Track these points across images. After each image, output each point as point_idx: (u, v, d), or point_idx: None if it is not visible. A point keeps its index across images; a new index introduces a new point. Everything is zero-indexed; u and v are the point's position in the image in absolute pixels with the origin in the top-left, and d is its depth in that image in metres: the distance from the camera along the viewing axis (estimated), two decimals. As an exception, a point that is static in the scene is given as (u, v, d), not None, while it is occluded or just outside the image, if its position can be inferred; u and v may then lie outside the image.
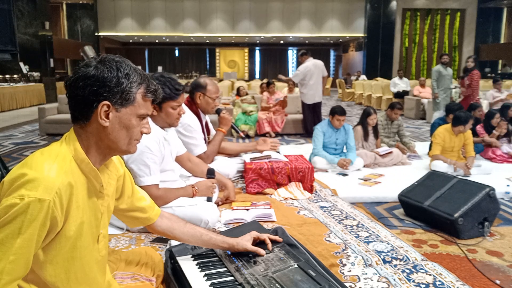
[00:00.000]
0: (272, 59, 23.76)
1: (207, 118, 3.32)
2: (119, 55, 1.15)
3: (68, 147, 1.09)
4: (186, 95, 3.23)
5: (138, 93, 1.13)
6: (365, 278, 1.81)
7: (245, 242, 1.52)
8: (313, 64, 6.57)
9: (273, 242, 1.58)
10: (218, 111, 3.21)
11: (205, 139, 3.17)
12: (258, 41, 21.87)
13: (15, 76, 11.78)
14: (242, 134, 5.19)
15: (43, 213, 0.96)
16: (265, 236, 1.56)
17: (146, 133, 1.19)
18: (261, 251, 1.50)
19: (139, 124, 1.16)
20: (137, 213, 1.39)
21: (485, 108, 6.91)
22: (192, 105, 3.11)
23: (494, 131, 4.82)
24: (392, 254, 2.07)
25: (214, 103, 3.11)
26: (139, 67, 1.23)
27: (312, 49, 6.92)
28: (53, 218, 0.98)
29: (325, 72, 6.75)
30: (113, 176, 1.24)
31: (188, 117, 2.93)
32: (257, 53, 23.70)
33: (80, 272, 1.12)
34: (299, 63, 7.09)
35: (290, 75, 23.27)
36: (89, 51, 4.82)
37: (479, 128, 4.96)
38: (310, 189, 3.21)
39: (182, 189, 2.32)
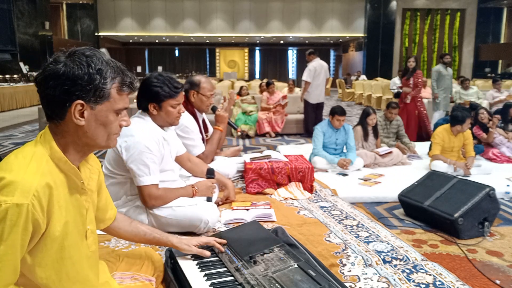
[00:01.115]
0: (272, 59, 23.75)
1: (204, 116, 3.30)
2: (90, 48, 1.09)
3: (43, 147, 1.05)
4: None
5: (113, 88, 1.07)
6: (365, 278, 1.81)
7: (190, 245, 1.52)
8: (319, 64, 6.72)
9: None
10: (213, 109, 3.19)
11: (203, 138, 3.15)
12: (258, 41, 21.87)
13: (15, 76, 11.79)
14: (239, 131, 5.18)
15: (22, 217, 0.93)
16: (210, 239, 1.57)
17: (125, 126, 1.15)
18: (206, 252, 1.51)
19: (116, 119, 1.11)
20: (106, 212, 1.37)
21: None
22: (188, 104, 3.08)
23: (490, 129, 4.82)
24: (392, 254, 2.07)
25: (209, 101, 3.09)
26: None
27: (312, 49, 6.98)
28: (34, 221, 0.96)
29: (328, 74, 6.94)
30: (95, 170, 1.22)
31: (184, 118, 2.91)
32: (257, 53, 23.69)
33: (71, 272, 1.10)
34: (304, 61, 7.20)
35: (290, 75, 23.34)
36: (105, 53, 4.86)
37: (475, 130, 4.94)
38: (310, 189, 3.21)
39: (182, 189, 2.32)
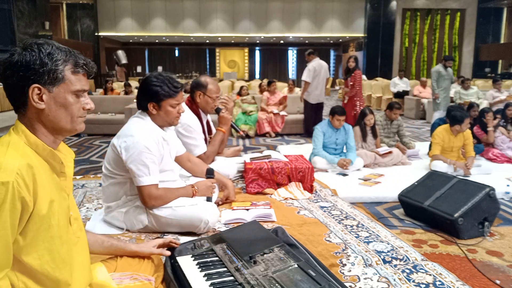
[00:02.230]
0: (272, 59, 23.73)
1: (208, 117, 3.30)
2: (44, 38, 1.16)
3: (17, 136, 1.10)
4: (186, 95, 3.23)
5: (67, 70, 1.13)
6: (365, 278, 1.81)
7: (149, 247, 1.59)
8: (319, 64, 6.73)
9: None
10: (217, 111, 3.19)
11: (205, 139, 3.15)
12: (258, 41, 21.85)
13: (15, 76, 11.78)
14: (241, 133, 5.18)
15: (9, 195, 0.97)
16: (166, 239, 1.68)
17: (89, 109, 1.19)
18: (166, 252, 1.61)
19: (77, 101, 1.16)
20: None
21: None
22: (193, 104, 3.09)
23: (488, 129, 4.82)
24: (392, 254, 2.06)
25: (214, 103, 3.09)
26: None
27: (312, 49, 7.00)
28: (21, 199, 0.99)
29: (328, 74, 6.94)
30: (69, 159, 1.25)
31: (187, 117, 2.92)
32: (257, 53, 23.67)
33: (62, 251, 1.12)
34: (304, 61, 7.21)
35: (290, 75, 23.30)
36: (122, 55, 4.87)
37: (476, 129, 4.93)
38: (310, 189, 3.21)
39: (182, 189, 2.32)
